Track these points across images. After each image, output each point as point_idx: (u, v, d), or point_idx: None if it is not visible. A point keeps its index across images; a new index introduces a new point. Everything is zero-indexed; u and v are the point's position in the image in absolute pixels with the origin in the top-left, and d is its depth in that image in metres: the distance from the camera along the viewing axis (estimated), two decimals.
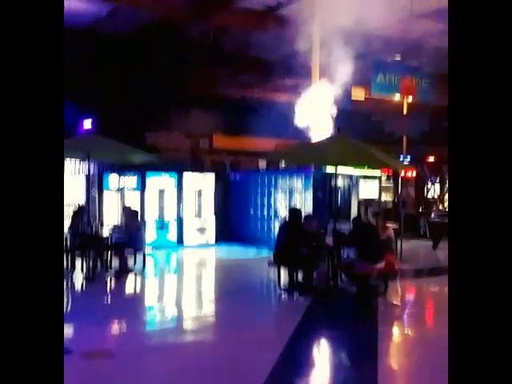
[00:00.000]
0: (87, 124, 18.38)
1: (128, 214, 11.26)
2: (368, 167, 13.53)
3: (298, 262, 9.19)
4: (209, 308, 8.81)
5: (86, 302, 9.06)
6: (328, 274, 9.28)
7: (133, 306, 8.64)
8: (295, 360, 6.01)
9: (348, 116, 16.28)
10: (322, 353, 6.92)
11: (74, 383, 5.09)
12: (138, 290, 10.35)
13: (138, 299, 9.53)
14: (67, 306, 9.14)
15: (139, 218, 11.58)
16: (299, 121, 15.74)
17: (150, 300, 9.49)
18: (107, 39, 17.37)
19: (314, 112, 16.20)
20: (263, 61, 20.15)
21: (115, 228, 11.42)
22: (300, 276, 9.56)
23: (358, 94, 19.78)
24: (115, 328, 7.36)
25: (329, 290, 9.02)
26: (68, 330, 7.05)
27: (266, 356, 5.86)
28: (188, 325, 7.68)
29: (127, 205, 12.77)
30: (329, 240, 9.46)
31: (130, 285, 10.45)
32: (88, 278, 10.16)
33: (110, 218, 13.32)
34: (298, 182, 14.33)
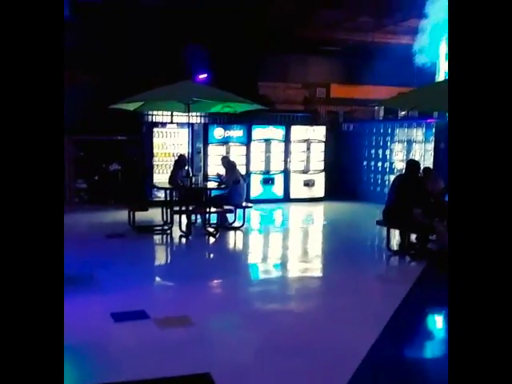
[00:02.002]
0: (203, 74, 17.94)
1: (226, 164, 10.61)
2: None
3: (409, 224, 7.98)
4: (310, 270, 7.87)
5: (179, 260, 8.60)
6: (446, 237, 7.98)
7: (227, 266, 7.90)
8: (401, 335, 5.18)
9: None
10: (433, 329, 5.89)
11: (147, 351, 4.53)
12: (235, 248, 9.72)
13: (233, 258, 8.88)
14: (160, 264, 8.74)
15: (239, 170, 10.84)
16: (424, 66, 14.21)
17: (246, 259, 8.76)
18: None
19: (440, 54, 14.58)
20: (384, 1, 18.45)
21: (214, 180, 10.87)
22: (413, 237, 8.39)
23: None
24: (203, 291, 6.58)
25: (446, 255, 7.73)
26: (151, 293, 6.55)
27: (367, 329, 5.08)
28: (285, 289, 6.87)
29: (226, 155, 12.19)
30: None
31: (228, 242, 9.86)
32: (185, 234, 9.67)
33: (214, 172, 12.80)
34: (417, 132, 12.86)
